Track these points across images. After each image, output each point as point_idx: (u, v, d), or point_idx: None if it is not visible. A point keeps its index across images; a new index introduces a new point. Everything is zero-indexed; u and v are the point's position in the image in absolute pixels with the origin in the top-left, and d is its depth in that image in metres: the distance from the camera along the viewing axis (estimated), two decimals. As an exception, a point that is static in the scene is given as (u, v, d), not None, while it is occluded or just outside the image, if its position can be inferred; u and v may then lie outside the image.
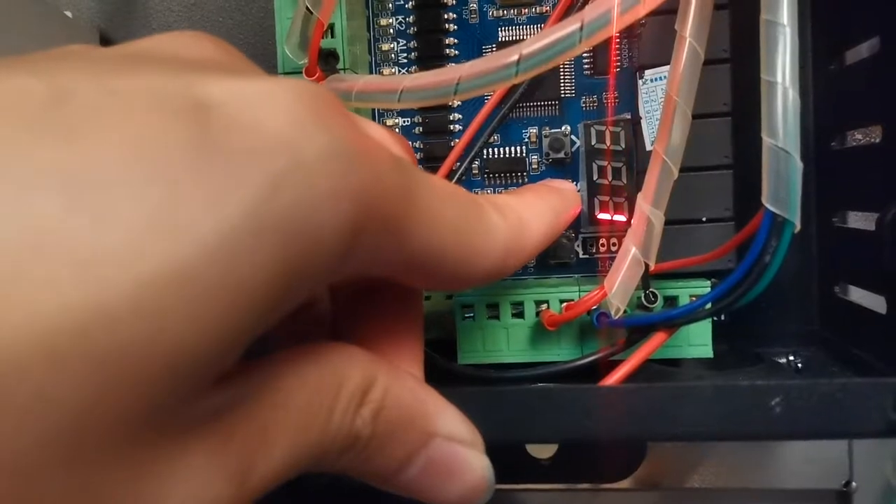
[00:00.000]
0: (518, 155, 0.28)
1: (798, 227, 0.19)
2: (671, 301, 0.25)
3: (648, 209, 0.22)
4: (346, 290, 0.19)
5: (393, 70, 0.29)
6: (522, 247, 0.19)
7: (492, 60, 0.20)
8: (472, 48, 0.29)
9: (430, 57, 0.29)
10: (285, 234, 0.12)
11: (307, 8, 0.23)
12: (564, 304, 0.25)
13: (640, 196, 0.22)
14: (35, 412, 0.09)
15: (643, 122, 0.25)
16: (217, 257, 0.11)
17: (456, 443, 0.17)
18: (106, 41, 0.33)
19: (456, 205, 0.17)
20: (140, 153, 0.11)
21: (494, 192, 0.29)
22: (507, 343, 0.26)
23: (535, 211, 0.21)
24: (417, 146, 0.29)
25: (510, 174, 0.29)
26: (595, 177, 0.27)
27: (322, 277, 0.13)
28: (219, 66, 0.14)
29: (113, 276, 0.10)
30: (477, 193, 0.29)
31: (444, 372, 0.26)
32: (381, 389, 0.16)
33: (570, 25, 0.20)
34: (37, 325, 0.09)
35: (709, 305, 0.22)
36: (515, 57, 0.20)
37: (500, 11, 0.28)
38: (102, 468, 0.11)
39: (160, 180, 0.11)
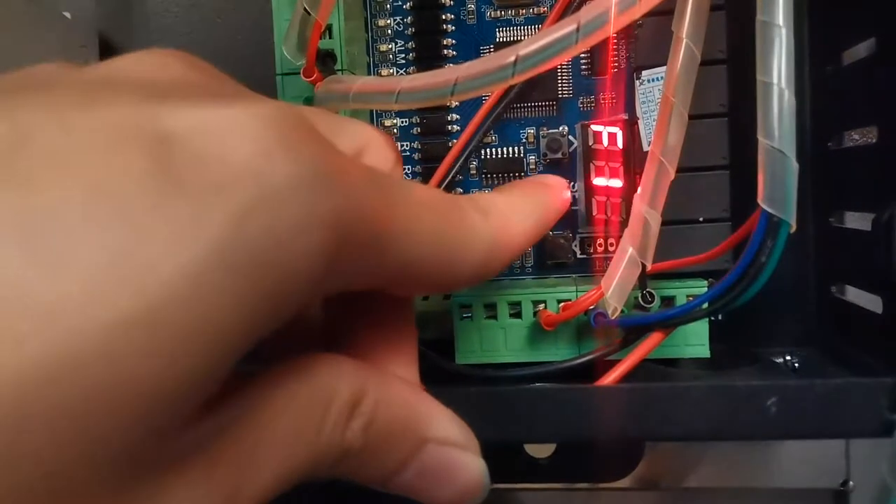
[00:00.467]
0: (515, 155, 0.29)
1: (794, 227, 0.19)
2: (668, 301, 0.25)
3: (645, 209, 0.22)
4: (336, 296, 0.19)
5: (391, 71, 0.29)
6: (506, 248, 0.19)
7: (489, 61, 0.20)
8: (469, 49, 0.29)
9: (428, 58, 0.29)
10: (255, 267, 0.12)
11: (305, 9, 0.23)
12: (562, 304, 0.25)
13: (636, 196, 0.22)
14: (6, 467, 0.09)
15: (640, 123, 0.25)
16: (183, 297, 0.11)
17: (449, 446, 0.17)
18: (104, 42, 0.33)
19: (435, 213, 0.17)
20: (99, 197, 0.10)
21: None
22: (504, 343, 0.26)
23: (520, 209, 0.20)
24: (415, 146, 0.29)
25: (508, 174, 0.29)
26: (592, 177, 0.27)
27: (299, 303, 0.13)
28: (187, 91, 0.13)
29: (77, 324, 0.10)
30: (473, 193, 0.29)
31: (441, 371, 0.26)
32: (371, 401, 0.16)
33: (567, 26, 0.20)
34: (1, 381, 0.09)
35: (705, 305, 0.22)
36: (512, 58, 0.20)
37: (498, 12, 0.28)
38: None
39: (121, 223, 0.10)
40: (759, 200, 0.19)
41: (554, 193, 0.23)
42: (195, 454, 0.12)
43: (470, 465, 0.17)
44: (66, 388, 0.10)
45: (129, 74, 0.14)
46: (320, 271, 0.13)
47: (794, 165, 0.18)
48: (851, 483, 0.34)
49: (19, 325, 0.10)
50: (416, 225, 0.16)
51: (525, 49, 0.20)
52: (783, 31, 0.18)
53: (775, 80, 0.18)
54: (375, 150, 0.18)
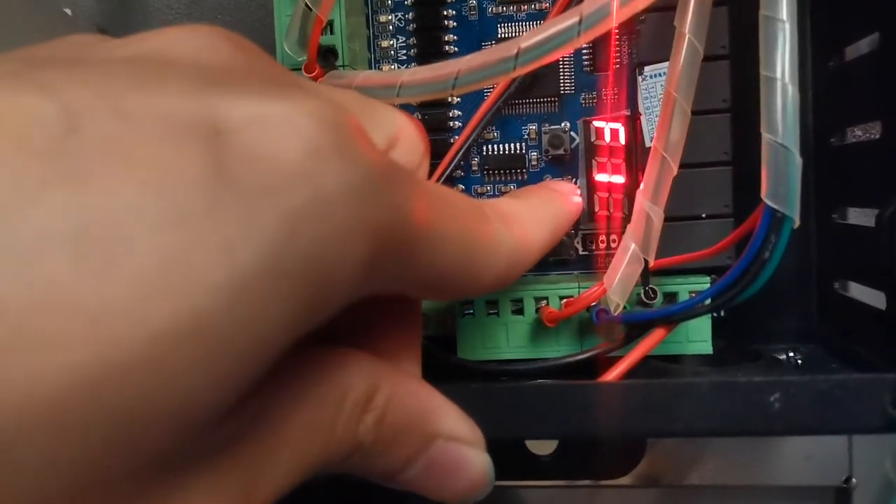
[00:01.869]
0: (517, 152, 0.28)
1: (797, 223, 0.19)
2: (670, 297, 0.25)
3: (647, 205, 0.22)
4: None
5: (392, 67, 0.29)
6: (526, 256, 0.19)
7: (490, 54, 0.20)
8: (471, 45, 0.29)
9: (429, 54, 0.29)
10: (301, 274, 0.11)
11: (306, 5, 0.23)
12: (564, 300, 0.25)
13: (639, 192, 0.22)
14: (39, 473, 0.09)
15: (642, 119, 0.25)
16: (231, 306, 0.10)
17: (457, 442, 0.17)
18: (105, 38, 0.33)
19: (464, 222, 0.16)
20: (154, 196, 0.10)
21: (494, 188, 0.29)
22: (506, 340, 0.26)
23: (539, 218, 0.20)
24: (417, 143, 0.29)
25: (509, 171, 0.29)
26: (594, 173, 0.27)
27: (335, 309, 0.13)
28: (239, 77, 0.13)
29: (123, 331, 0.09)
30: (477, 191, 0.29)
31: (444, 365, 0.25)
32: (384, 396, 0.16)
33: (569, 19, 0.20)
34: (41, 387, 0.09)
35: (708, 301, 0.22)
36: (514, 50, 0.20)
37: (500, 8, 0.28)
38: None
39: (174, 226, 0.10)
40: (763, 196, 0.19)
41: (568, 200, 0.23)
42: (217, 453, 0.12)
43: (476, 460, 0.17)
44: (108, 395, 0.09)
45: (178, 54, 0.13)
46: (361, 279, 0.13)
47: (798, 160, 0.18)
48: (854, 480, 0.34)
49: (65, 329, 0.09)
50: (448, 233, 0.16)
51: (527, 41, 0.20)
52: (787, 25, 0.18)
53: (779, 75, 0.18)
54: (407, 139, 0.18)
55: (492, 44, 0.28)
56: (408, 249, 0.14)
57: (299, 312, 0.12)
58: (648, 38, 0.26)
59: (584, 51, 0.28)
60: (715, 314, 0.24)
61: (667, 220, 0.22)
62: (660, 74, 0.25)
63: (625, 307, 0.22)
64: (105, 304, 0.09)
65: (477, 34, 0.29)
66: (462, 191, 0.29)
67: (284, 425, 0.14)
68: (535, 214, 0.20)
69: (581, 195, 0.28)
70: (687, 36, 0.21)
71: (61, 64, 0.12)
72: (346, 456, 0.15)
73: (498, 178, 0.29)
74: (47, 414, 0.09)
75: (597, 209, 0.28)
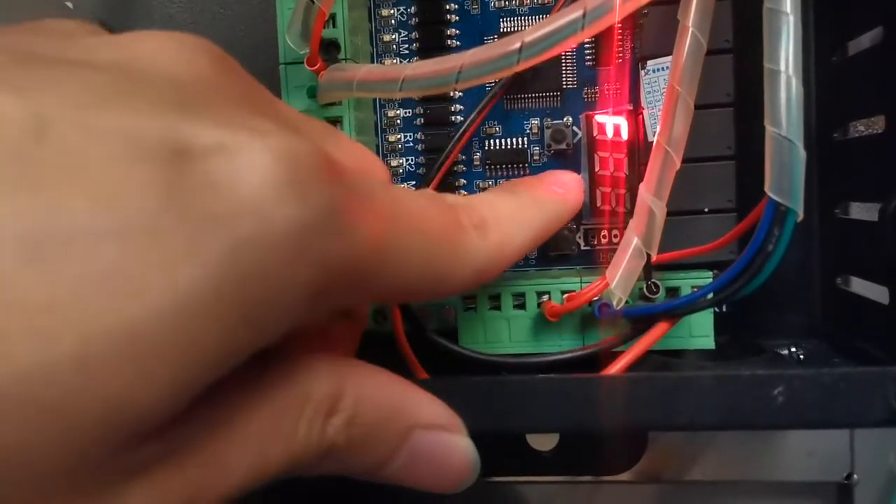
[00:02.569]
0: (520, 146, 0.28)
1: (801, 216, 0.19)
2: (673, 292, 0.25)
3: (650, 199, 0.22)
4: None
5: (394, 61, 0.29)
6: (501, 264, 0.19)
7: (494, 48, 0.20)
8: (473, 39, 0.29)
9: (431, 48, 0.29)
10: (241, 298, 0.12)
11: (309, -3, 0.23)
12: (566, 294, 0.25)
13: (642, 186, 0.22)
14: None
15: (645, 113, 0.25)
16: (167, 319, 0.11)
17: (437, 430, 0.17)
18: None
19: (430, 237, 0.17)
20: (103, 210, 0.11)
21: (496, 183, 0.29)
22: (508, 334, 0.26)
23: (525, 220, 0.20)
24: (419, 138, 0.29)
25: (512, 165, 0.28)
26: (597, 168, 0.27)
27: (281, 332, 0.13)
28: (210, 99, 0.13)
29: (57, 329, 0.10)
30: (479, 185, 0.29)
31: (446, 356, 0.25)
32: (350, 398, 0.16)
33: (573, 13, 0.20)
34: None
35: (711, 295, 0.22)
36: (517, 45, 0.20)
37: (502, 2, 0.28)
38: None
39: (121, 239, 0.11)
40: (766, 189, 0.19)
41: (567, 197, 0.22)
42: (163, 461, 0.12)
43: (458, 445, 0.17)
44: (37, 389, 0.10)
45: (152, 66, 0.14)
46: (305, 305, 0.13)
47: (802, 153, 0.18)
48: (856, 476, 0.34)
49: (5, 322, 0.10)
50: (407, 252, 0.16)
51: (530, 36, 0.20)
52: (791, 18, 0.18)
53: (783, 68, 0.18)
54: (369, 172, 0.18)
55: (494, 38, 0.28)
56: (362, 273, 0.14)
57: (239, 334, 0.12)
58: (651, 32, 0.26)
59: (587, 45, 0.28)
60: (717, 309, 0.24)
61: (669, 214, 0.22)
62: (662, 69, 0.25)
63: (627, 302, 0.22)
64: (44, 302, 0.10)
65: (479, 28, 0.28)
66: (464, 186, 0.29)
67: (239, 435, 0.14)
68: (521, 216, 0.20)
69: (583, 188, 0.28)
70: (690, 30, 0.21)
71: (40, 64, 0.12)
72: (318, 458, 0.15)
73: (500, 173, 0.29)
74: None
75: (599, 204, 0.27)
